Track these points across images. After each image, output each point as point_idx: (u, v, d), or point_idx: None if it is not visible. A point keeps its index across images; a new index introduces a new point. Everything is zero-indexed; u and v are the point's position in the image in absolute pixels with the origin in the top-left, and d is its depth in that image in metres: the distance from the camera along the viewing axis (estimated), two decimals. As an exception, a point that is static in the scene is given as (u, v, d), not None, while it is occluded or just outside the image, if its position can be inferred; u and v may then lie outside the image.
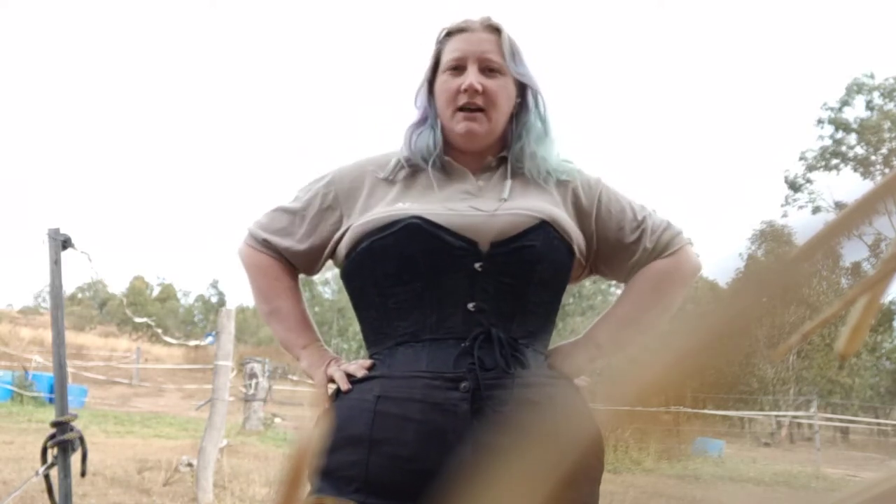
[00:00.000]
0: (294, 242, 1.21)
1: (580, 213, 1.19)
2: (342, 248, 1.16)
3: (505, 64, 1.17)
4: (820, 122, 25.24)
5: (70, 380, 4.44)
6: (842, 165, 24.94)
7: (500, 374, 1.04)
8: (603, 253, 1.22)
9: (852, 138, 24.63)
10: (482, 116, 1.15)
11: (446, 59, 1.18)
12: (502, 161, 1.20)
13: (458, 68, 1.16)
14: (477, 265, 1.07)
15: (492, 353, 1.05)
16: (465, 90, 1.14)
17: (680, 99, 69.23)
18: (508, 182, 1.16)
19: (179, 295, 46.61)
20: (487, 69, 1.16)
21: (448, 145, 1.19)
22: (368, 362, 1.11)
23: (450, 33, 1.20)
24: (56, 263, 1.95)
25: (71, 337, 22.32)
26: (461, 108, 1.15)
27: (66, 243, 1.97)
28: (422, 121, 1.21)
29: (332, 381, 1.12)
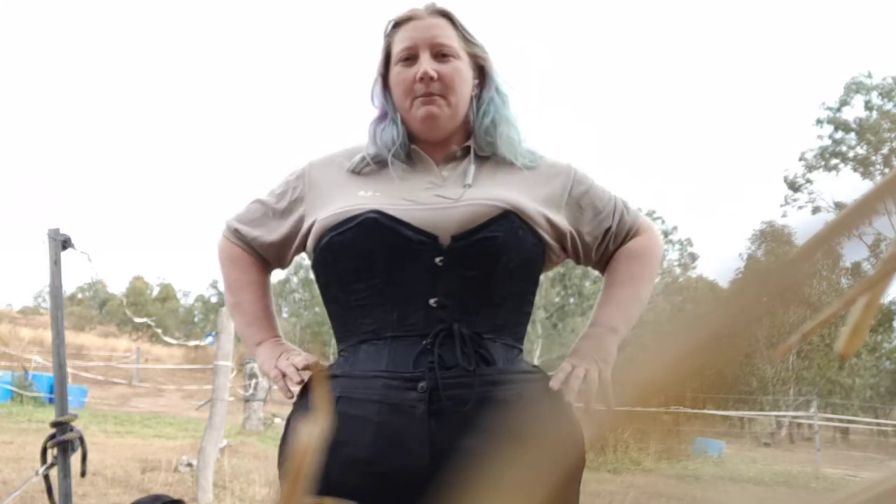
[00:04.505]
0: (264, 233, 1.21)
1: (551, 201, 1.15)
2: (309, 243, 1.14)
3: (457, 47, 1.14)
4: (819, 122, 25.24)
5: (70, 380, 4.43)
6: (841, 165, 24.93)
7: (462, 372, 1.00)
8: (576, 239, 1.19)
9: (852, 138, 24.62)
10: (441, 100, 1.12)
11: (397, 49, 1.15)
12: (467, 150, 1.17)
13: (411, 58, 1.13)
14: (437, 259, 1.04)
15: (453, 350, 1.01)
16: (421, 79, 1.11)
17: (680, 99, 69.29)
18: (472, 167, 1.14)
19: (179, 295, 46.52)
20: (440, 54, 1.13)
21: (411, 138, 1.16)
22: (312, 358, 1.10)
23: (397, 24, 1.16)
24: (56, 263, 1.94)
25: (71, 337, 22.30)
26: (418, 97, 1.12)
27: (66, 243, 1.97)
28: (382, 116, 1.18)
29: (283, 375, 1.10)
